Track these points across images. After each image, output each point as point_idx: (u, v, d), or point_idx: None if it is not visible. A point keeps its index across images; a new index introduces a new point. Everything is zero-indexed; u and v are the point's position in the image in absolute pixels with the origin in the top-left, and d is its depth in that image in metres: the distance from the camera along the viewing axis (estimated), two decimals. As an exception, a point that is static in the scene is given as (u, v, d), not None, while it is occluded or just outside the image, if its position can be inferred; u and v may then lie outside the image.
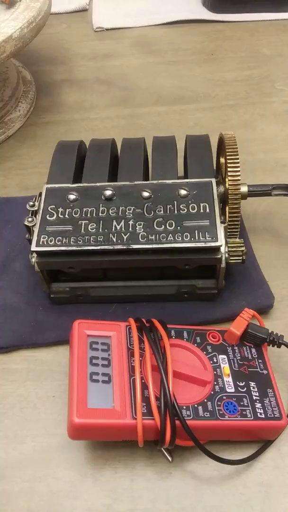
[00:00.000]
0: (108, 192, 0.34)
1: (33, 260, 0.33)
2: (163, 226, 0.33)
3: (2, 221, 0.43)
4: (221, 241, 0.32)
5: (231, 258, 0.33)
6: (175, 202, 0.34)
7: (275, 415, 0.29)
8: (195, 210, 0.34)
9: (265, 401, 0.29)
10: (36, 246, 0.33)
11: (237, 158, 0.34)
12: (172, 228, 0.33)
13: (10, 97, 0.55)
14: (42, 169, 0.44)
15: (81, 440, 0.30)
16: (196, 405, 0.28)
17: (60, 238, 0.33)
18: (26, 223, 0.34)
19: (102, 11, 0.73)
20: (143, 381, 0.28)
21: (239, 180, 0.34)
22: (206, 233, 0.32)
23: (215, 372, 0.30)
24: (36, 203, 0.35)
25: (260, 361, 0.32)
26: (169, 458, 0.30)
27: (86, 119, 0.55)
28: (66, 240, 0.33)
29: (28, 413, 0.32)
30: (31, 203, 0.35)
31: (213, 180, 0.35)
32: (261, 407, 0.29)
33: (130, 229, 0.33)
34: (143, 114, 0.55)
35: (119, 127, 0.54)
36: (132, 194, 0.35)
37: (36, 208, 0.35)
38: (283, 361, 0.34)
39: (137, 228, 0.33)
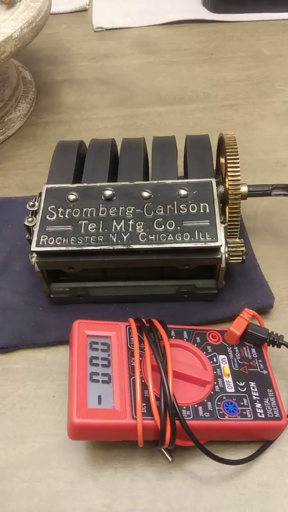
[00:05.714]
0: (108, 192, 0.34)
1: (33, 260, 0.33)
2: (163, 226, 0.33)
3: (2, 221, 0.43)
4: (221, 241, 0.32)
5: (231, 258, 0.33)
6: (175, 202, 0.34)
7: (275, 415, 0.29)
8: (195, 210, 0.34)
9: (265, 401, 0.29)
10: (36, 246, 0.33)
11: (237, 158, 0.34)
12: (172, 228, 0.33)
13: (10, 97, 0.55)
14: (42, 169, 0.44)
15: (81, 440, 0.30)
16: (196, 405, 0.28)
17: (60, 238, 0.33)
18: (26, 223, 0.34)
19: (102, 11, 0.73)
20: (143, 381, 0.28)
21: (239, 180, 0.34)
22: (206, 233, 0.32)
23: (215, 372, 0.30)
24: (36, 203, 0.35)
25: (260, 361, 0.32)
26: (169, 458, 0.30)
27: (86, 119, 0.55)
28: (66, 240, 0.33)
29: (28, 413, 0.32)
30: (31, 203, 0.35)
31: (213, 180, 0.35)
32: (261, 407, 0.29)
33: (130, 229, 0.33)
34: (143, 114, 0.55)
35: (119, 127, 0.54)
36: (132, 194, 0.35)
37: (36, 208, 0.35)
38: (283, 361, 0.34)
39: (137, 228, 0.33)
